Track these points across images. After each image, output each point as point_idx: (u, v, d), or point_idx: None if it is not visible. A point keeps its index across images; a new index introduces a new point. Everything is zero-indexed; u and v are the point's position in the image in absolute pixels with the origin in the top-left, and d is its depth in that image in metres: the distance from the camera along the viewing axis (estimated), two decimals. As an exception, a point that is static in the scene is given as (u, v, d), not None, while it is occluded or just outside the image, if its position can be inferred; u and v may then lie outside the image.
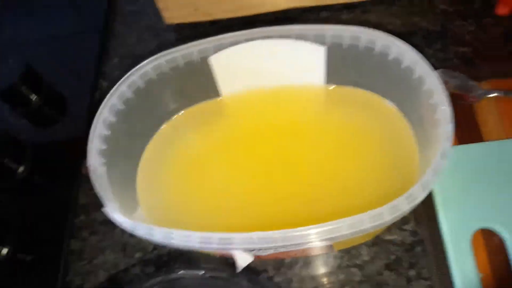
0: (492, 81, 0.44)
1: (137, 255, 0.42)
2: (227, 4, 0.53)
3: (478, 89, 0.43)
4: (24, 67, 0.52)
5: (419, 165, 0.36)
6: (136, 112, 0.38)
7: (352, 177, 0.38)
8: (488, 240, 0.37)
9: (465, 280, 0.35)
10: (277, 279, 0.39)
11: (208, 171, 0.40)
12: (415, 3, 0.53)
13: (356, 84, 0.41)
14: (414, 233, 0.40)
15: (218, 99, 0.43)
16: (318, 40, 0.37)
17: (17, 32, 0.62)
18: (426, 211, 0.39)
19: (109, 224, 0.35)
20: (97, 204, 0.31)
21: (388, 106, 0.40)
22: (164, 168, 0.40)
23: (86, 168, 0.33)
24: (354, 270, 0.39)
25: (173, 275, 0.34)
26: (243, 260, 0.32)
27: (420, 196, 0.28)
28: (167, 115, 0.42)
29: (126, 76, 0.37)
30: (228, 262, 0.36)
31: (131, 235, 0.30)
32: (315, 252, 0.39)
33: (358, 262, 0.39)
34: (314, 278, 0.39)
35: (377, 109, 0.40)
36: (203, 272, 0.34)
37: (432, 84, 0.33)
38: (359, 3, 0.54)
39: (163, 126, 0.42)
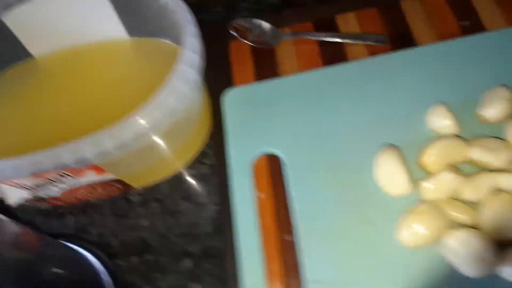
0: (295, 26, 0.48)
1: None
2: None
3: (279, 34, 0.47)
4: None
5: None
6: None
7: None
8: (272, 164, 0.40)
9: (242, 198, 0.38)
10: (83, 220, 0.41)
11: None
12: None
13: (153, 34, 0.44)
14: (212, 166, 0.42)
15: (31, 60, 0.45)
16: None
17: None
18: (221, 145, 0.41)
19: None
20: None
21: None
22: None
23: None
24: (155, 204, 0.41)
25: None
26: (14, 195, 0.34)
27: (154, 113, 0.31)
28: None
29: None
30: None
31: None
32: (115, 191, 0.41)
33: (158, 196, 0.41)
34: (117, 215, 0.41)
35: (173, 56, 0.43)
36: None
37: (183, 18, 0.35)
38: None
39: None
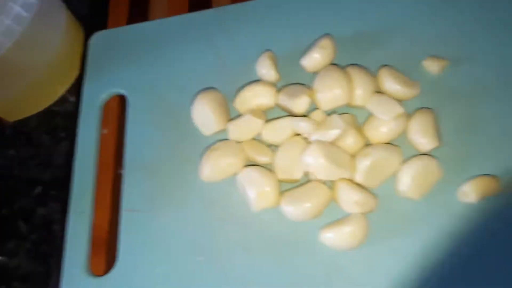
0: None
1: None
2: None
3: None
4: None
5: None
6: None
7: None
8: (121, 104, 0.43)
9: (86, 134, 0.41)
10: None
11: None
12: None
13: None
14: (75, 104, 0.46)
15: None
16: None
17: None
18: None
19: None
20: None
21: None
22: None
23: None
24: (22, 136, 0.45)
25: None
26: None
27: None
28: None
29: None
30: None
31: None
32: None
33: (26, 129, 0.46)
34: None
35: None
36: None
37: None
38: None
39: None
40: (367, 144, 0.35)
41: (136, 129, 0.40)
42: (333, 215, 0.34)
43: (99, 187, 0.39)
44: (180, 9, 0.47)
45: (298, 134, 0.36)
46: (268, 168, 0.35)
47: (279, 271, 0.33)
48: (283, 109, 0.37)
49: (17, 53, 0.40)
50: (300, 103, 0.36)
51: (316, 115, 0.36)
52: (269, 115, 0.37)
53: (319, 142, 0.33)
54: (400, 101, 0.35)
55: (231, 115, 0.38)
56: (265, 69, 0.38)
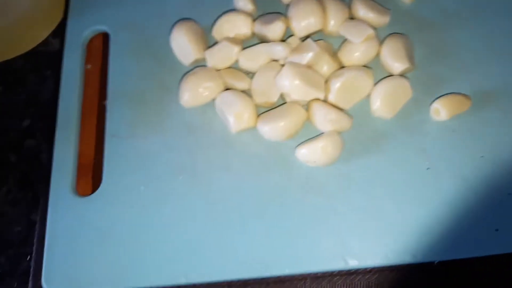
0: None
1: None
2: None
3: None
4: None
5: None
6: None
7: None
8: (105, 41, 0.44)
9: (70, 69, 0.42)
10: None
11: None
12: None
13: None
14: (62, 45, 0.46)
15: None
16: None
17: None
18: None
19: None
20: None
21: None
22: None
23: None
24: (9, 76, 0.46)
25: None
26: None
27: None
28: None
29: None
30: None
31: None
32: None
33: (13, 68, 0.46)
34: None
35: None
36: None
37: None
38: None
39: None
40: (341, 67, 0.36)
41: (118, 62, 0.41)
42: (309, 136, 0.35)
43: (84, 117, 0.41)
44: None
45: (275, 61, 0.37)
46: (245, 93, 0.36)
47: (257, 187, 0.35)
48: (260, 38, 0.38)
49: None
50: (275, 29, 0.37)
51: (291, 41, 0.37)
52: (246, 46, 0.38)
53: (294, 63, 0.34)
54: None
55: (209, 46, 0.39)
56: (242, 1, 0.39)
